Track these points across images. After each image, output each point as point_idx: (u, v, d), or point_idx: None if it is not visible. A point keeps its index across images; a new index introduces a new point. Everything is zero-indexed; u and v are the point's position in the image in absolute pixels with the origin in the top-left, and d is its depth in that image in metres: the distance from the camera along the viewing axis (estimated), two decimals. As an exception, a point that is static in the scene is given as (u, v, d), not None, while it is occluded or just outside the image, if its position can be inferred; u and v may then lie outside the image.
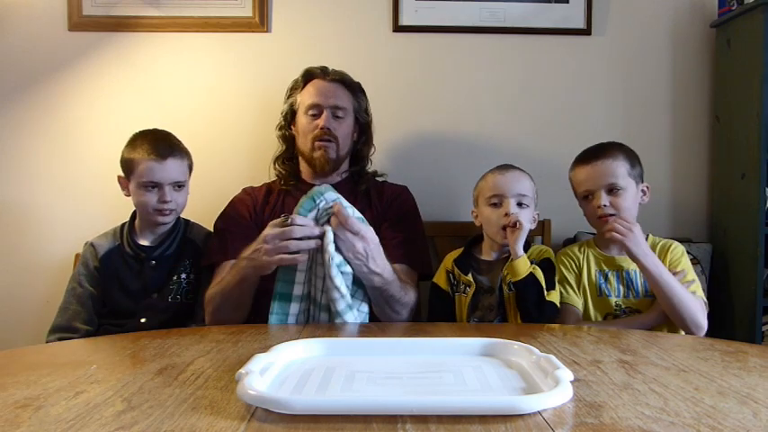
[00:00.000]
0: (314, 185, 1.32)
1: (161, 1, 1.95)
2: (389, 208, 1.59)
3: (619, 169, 1.42)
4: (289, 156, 1.66)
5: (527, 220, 1.45)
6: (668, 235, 2.02)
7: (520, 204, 1.47)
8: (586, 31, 1.99)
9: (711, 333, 1.89)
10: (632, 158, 1.46)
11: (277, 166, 1.67)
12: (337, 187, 1.48)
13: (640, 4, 2.02)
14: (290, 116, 1.64)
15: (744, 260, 1.84)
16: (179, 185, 1.55)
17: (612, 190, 1.41)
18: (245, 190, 1.66)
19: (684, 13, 2.03)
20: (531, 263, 1.42)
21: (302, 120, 1.59)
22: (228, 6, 1.96)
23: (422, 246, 1.59)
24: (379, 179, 1.71)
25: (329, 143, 1.55)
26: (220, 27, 1.96)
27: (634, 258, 1.35)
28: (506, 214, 1.45)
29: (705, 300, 1.39)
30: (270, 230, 1.18)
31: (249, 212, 1.57)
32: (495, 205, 1.48)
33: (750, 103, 1.81)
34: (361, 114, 1.63)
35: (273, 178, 1.69)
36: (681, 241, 1.95)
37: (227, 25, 1.96)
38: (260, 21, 1.96)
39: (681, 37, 2.03)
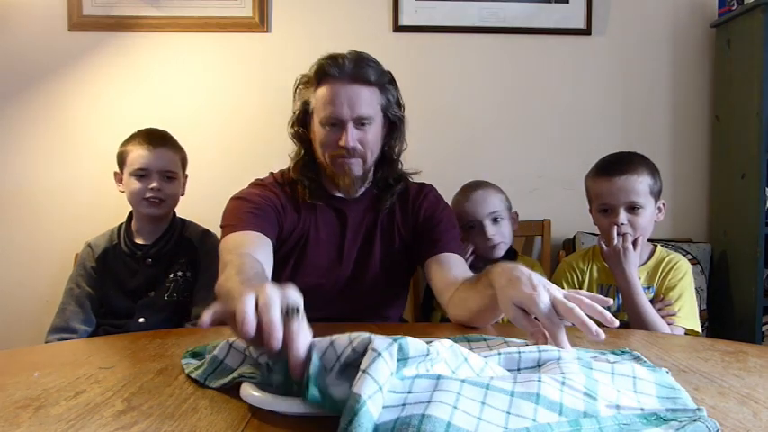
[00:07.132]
0: (339, 198, 1.31)
1: (161, 1, 1.95)
2: (418, 212, 1.36)
3: (641, 186, 1.35)
4: (309, 159, 1.33)
5: (505, 235, 1.56)
6: (668, 235, 2.02)
7: (495, 220, 1.55)
8: (586, 31, 2.00)
9: (711, 333, 1.90)
10: (654, 174, 1.39)
11: (298, 172, 1.33)
12: (358, 203, 1.32)
13: (640, 4, 2.02)
14: (302, 115, 1.31)
15: (744, 260, 1.84)
16: (169, 176, 1.56)
17: (632, 208, 1.35)
18: (267, 185, 1.33)
19: (684, 13, 2.03)
20: None
21: (319, 130, 1.27)
22: (228, 6, 1.96)
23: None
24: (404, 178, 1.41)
25: (354, 159, 1.26)
26: (220, 27, 1.96)
27: (619, 286, 1.36)
28: (486, 237, 1.53)
29: (688, 328, 1.36)
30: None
31: (277, 206, 1.28)
32: (472, 228, 1.55)
33: (750, 103, 1.81)
34: (391, 111, 1.31)
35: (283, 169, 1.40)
36: (681, 241, 1.97)
37: (227, 25, 1.96)
38: (260, 21, 1.96)
39: (681, 37, 2.03)
